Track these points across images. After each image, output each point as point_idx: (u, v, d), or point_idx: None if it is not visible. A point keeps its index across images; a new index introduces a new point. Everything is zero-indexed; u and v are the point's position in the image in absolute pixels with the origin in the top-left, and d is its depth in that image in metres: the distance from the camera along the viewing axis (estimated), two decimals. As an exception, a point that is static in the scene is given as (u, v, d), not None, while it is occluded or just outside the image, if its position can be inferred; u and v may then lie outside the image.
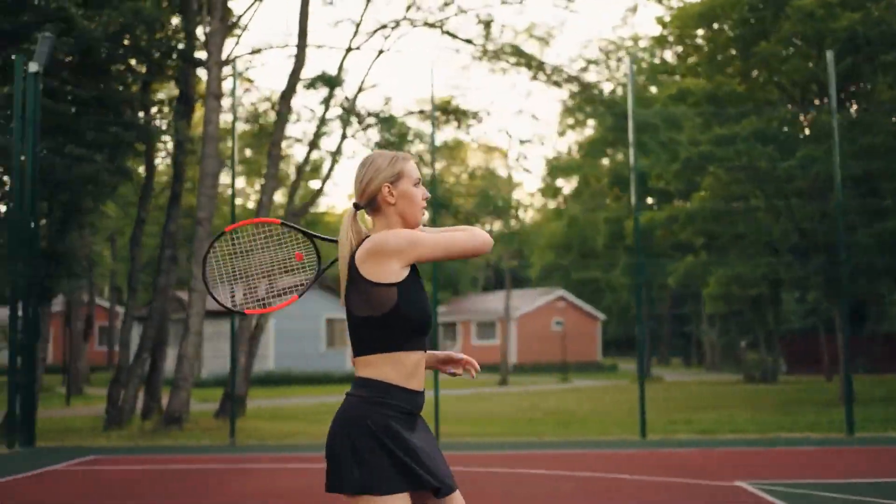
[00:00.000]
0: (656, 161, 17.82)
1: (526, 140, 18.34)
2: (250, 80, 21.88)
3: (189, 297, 16.02)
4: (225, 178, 24.29)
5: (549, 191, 52.17)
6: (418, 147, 17.90)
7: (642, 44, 31.08)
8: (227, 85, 16.95)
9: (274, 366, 36.51)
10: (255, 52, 20.06)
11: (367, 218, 3.11)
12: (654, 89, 27.63)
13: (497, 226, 44.12)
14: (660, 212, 23.79)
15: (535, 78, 18.49)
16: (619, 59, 28.17)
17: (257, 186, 41.82)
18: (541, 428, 15.70)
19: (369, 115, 17.38)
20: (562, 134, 46.93)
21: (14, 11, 14.74)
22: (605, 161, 32.81)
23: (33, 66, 13.62)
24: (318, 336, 39.13)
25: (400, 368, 2.93)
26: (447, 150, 31.61)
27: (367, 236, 3.02)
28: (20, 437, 13.27)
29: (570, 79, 19.35)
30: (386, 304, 2.89)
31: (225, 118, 18.08)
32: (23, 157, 13.41)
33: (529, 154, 42.65)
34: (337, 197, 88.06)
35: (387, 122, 17.12)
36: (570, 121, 45.32)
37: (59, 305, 37.74)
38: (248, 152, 32.49)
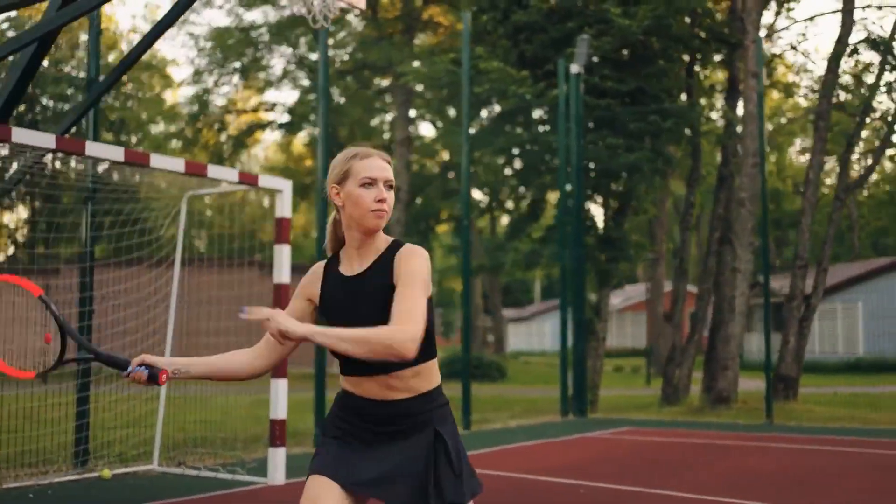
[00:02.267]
0: None
1: None
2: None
3: (734, 279, 16.08)
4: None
5: None
6: None
7: None
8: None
9: (864, 352, 34.42)
10: (809, 19, 19.23)
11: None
12: None
13: None
14: None
15: None
16: None
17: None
18: None
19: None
20: None
21: (561, 20, 16.18)
22: None
23: (574, 68, 14.89)
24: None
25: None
26: None
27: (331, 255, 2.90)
28: (574, 408, 14.58)
29: None
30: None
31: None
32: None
33: None
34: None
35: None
36: None
37: (645, 293, 39.83)
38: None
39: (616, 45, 15.80)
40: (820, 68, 25.82)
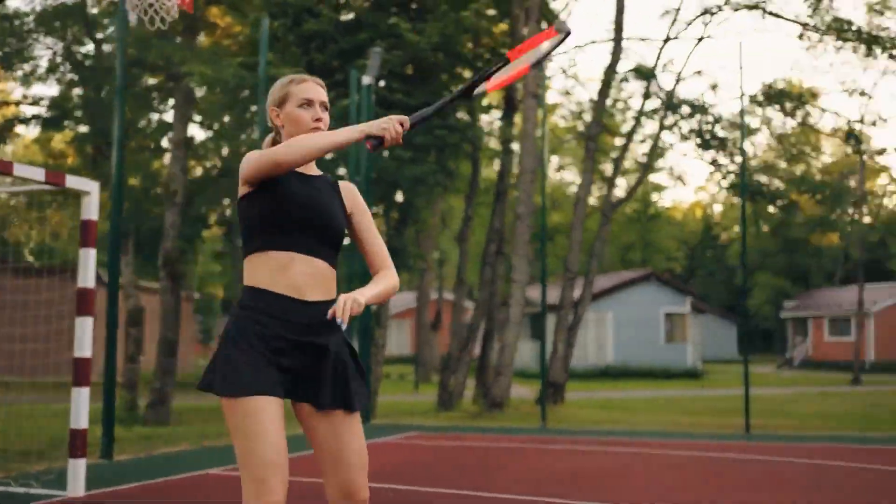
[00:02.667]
0: None
1: (872, 122, 17.16)
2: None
3: (511, 289, 16.87)
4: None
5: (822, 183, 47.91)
6: (734, 134, 17.39)
7: None
8: (556, 83, 17.58)
9: (613, 359, 36.85)
10: (577, 47, 20.49)
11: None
12: None
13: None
14: None
15: (869, 54, 17.30)
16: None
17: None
18: (875, 424, 14.81)
19: (685, 104, 17.22)
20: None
21: (352, 31, 16.38)
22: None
23: (365, 79, 15.12)
24: (658, 330, 38.86)
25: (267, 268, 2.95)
26: (787, 138, 30.20)
27: None
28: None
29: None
30: (243, 214, 2.99)
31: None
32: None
33: (878, 136, 39.11)
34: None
35: (702, 110, 16.91)
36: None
37: (413, 301, 40.71)
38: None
39: (405, 59, 16.17)
40: (590, 93, 27.45)
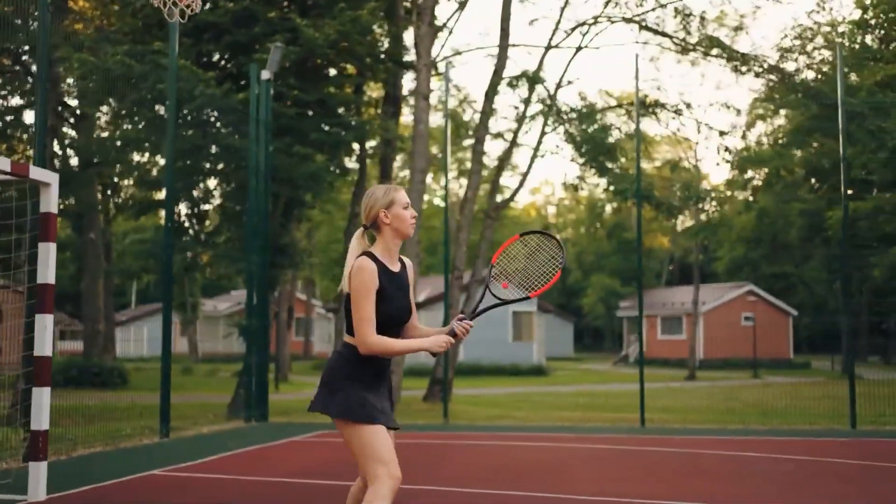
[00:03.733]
0: (862, 150, 17.47)
1: (726, 132, 18.39)
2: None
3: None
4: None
5: (738, 183, 50.94)
6: (617, 137, 18.08)
7: (840, 29, 30.02)
8: (434, 85, 17.80)
9: (464, 357, 37.52)
10: (456, 54, 20.84)
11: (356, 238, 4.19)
12: (853, 76, 26.64)
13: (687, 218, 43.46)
14: (864, 202, 23.15)
15: (735, 70, 18.45)
16: (816, 47, 27.27)
17: (443, 182, 42.95)
18: (741, 418, 15.80)
19: (571, 110, 17.84)
20: (751, 125, 45.83)
21: (247, 24, 16.09)
22: (797, 151, 31.99)
23: (265, 74, 14.90)
24: (506, 329, 39.86)
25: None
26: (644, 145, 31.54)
27: (364, 252, 4.12)
28: (255, 414, 14.53)
29: (771, 69, 19.17)
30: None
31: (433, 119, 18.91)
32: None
33: (718, 145, 41.18)
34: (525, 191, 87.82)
35: (588, 117, 17.55)
36: (759, 111, 44.21)
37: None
38: (434, 150, 33.75)
39: (302, 55, 16.03)
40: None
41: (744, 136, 26.48)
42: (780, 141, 28.95)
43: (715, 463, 9.76)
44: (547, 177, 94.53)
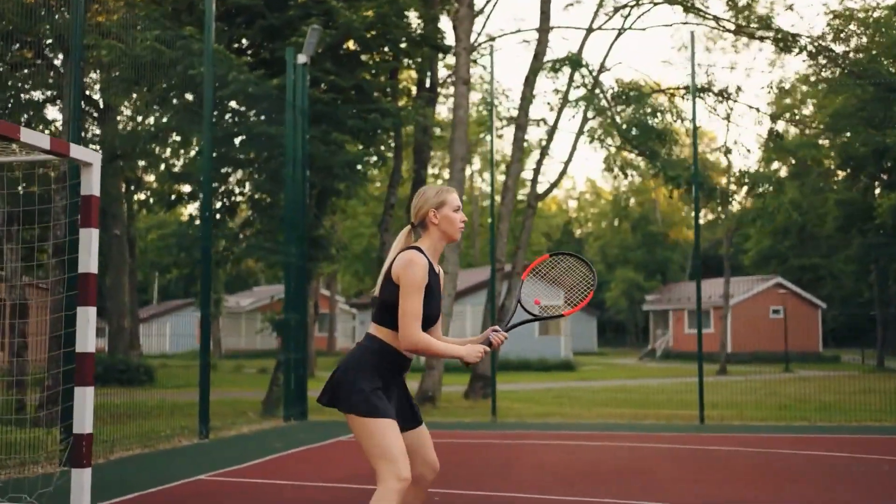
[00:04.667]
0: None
1: (779, 115, 17.75)
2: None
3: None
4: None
5: (765, 175, 50.00)
6: (671, 122, 17.27)
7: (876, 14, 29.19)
8: (474, 71, 17.14)
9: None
10: (491, 39, 20.19)
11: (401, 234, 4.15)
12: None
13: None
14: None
15: (785, 49, 17.68)
16: (852, 34, 26.38)
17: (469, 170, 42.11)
18: (801, 413, 15.12)
19: (621, 93, 17.09)
20: (778, 115, 44.93)
21: (281, 7, 15.47)
22: (839, 138, 31.00)
23: (302, 58, 14.26)
24: (532, 323, 39.22)
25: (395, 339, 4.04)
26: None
27: (408, 247, 4.04)
28: (294, 412, 13.90)
29: (821, 50, 18.39)
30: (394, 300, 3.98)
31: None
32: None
33: (753, 132, 40.29)
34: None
35: (638, 100, 16.79)
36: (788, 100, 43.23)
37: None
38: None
39: (337, 38, 15.40)
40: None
41: (795, 119, 25.49)
42: (818, 127, 28.01)
43: (803, 464, 9.10)
44: (568, 170, 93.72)
